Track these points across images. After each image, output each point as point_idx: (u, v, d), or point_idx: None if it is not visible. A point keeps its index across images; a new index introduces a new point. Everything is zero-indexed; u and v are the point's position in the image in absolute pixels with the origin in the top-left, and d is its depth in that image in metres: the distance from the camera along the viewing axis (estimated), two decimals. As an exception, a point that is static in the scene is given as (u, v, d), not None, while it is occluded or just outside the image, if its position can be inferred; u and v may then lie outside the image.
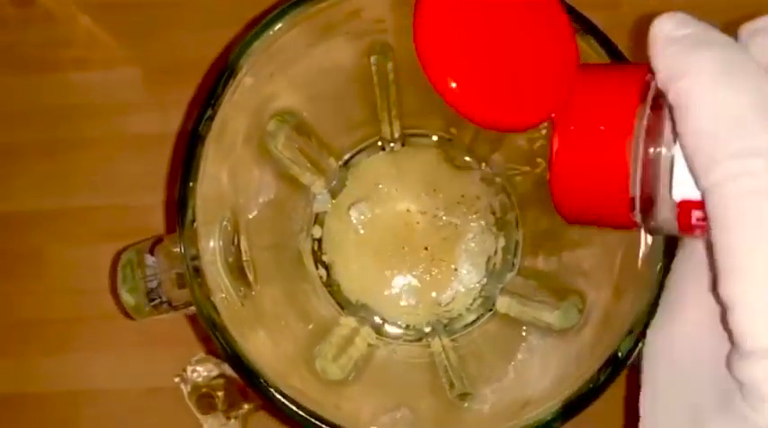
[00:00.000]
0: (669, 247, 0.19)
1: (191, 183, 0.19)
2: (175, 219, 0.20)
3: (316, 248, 0.31)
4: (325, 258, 0.32)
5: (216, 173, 0.21)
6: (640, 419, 0.18)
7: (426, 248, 0.31)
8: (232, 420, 0.35)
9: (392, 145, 0.32)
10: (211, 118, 0.20)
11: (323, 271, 0.31)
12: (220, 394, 0.35)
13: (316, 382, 0.24)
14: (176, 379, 0.34)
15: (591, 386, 0.20)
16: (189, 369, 0.35)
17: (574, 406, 0.20)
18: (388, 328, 0.31)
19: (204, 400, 0.35)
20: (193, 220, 0.19)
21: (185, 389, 0.35)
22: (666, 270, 0.19)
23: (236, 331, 0.20)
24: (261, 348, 0.21)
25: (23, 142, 0.36)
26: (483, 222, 0.32)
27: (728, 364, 0.15)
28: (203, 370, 0.35)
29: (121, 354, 0.34)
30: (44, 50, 0.36)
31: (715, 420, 0.15)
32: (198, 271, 0.20)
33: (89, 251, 0.35)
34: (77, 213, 0.35)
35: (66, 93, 0.36)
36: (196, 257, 0.19)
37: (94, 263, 0.34)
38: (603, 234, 0.24)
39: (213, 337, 0.20)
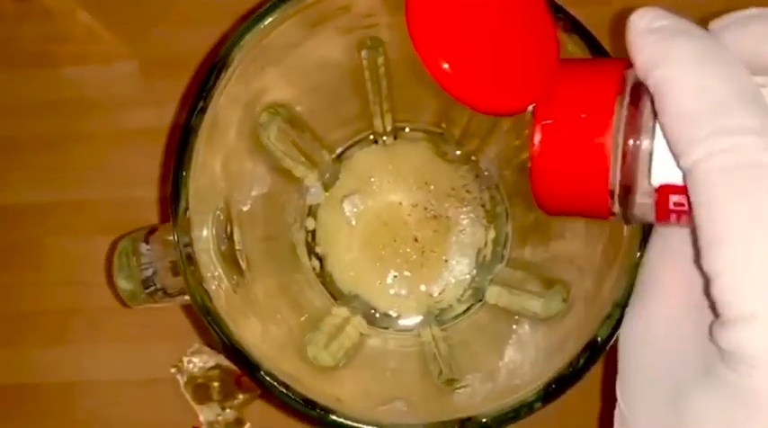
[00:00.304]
0: (647, 237, 0.20)
1: (183, 173, 0.20)
2: (169, 209, 0.20)
3: (309, 240, 0.32)
4: (318, 250, 0.32)
5: (209, 164, 0.21)
6: (617, 402, 0.18)
7: (417, 240, 0.32)
8: (227, 410, 0.35)
9: (384, 138, 0.32)
10: (203, 110, 0.20)
11: (316, 263, 0.32)
12: (216, 384, 0.35)
13: (309, 369, 0.25)
14: (172, 370, 0.35)
15: (571, 369, 0.20)
16: (185, 359, 0.35)
17: (555, 389, 0.20)
18: (380, 319, 0.31)
19: (200, 390, 0.35)
20: (186, 209, 0.20)
21: (181, 380, 0.35)
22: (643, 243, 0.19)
23: (229, 318, 0.21)
24: (254, 335, 0.22)
25: (21, 136, 0.36)
26: (473, 215, 0.32)
27: (712, 334, 0.15)
28: (199, 361, 0.36)
29: (118, 346, 0.35)
30: (42, 45, 0.36)
31: (698, 391, 0.16)
32: (191, 259, 0.20)
33: (86, 243, 0.35)
34: (74, 206, 0.35)
35: (63, 87, 0.36)
36: (189, 245, 0.20)
37: (91, 256, 0.35)
38: (587, 226, 0.25)
39: (206, 323, 0.20)
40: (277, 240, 0.30)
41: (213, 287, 0.21)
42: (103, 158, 0.36)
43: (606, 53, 0.21)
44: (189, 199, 0.20)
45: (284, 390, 0.20)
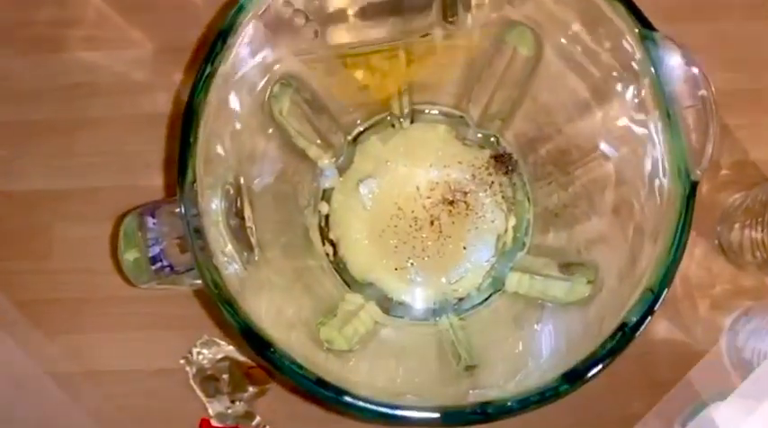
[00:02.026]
0: (686, 218, 0.19)
1: (191, 141, 0.19)
2: (176, 180, 0.19)
3: (322, 224, 0.31)
4: (332, 235, 0.31)
5: (218, 135, 0.21)
6: None
7: (435, 227, 0.31)
8: (237, 403, 0.34)
9: (402, 121, 0.31)
10: (211, 76, 0.19)
11: (329, 248, 0.31)
12: (225, 377, 0.34)
13: (321, 352, 0.24)
14: (181, 361, 0.34)
15: (599, 353, 0.19)
16: (194, 351, 0.34)
17: (581, 372, 0.19)
18: (395, 307, 0.30)
19: (209, 382, 0.34)
20: (194, 181, 0.19)
21: (190, 372, 0.34)
22: (684, 230, 0.18)
23: (240, 296, 0.20)
24: (265, 314, 0.21)
25: (33, 121, 0.36)
26: (493, 200, 0.31)
27: None
28: (209, 353, 0.35)
29: (127, 335, 0.34)
30: (54, 29, 0.36)
31: None
32: (199, 232, 0.19)
33: (97, 230, 0.34)
34: (86, 193, 0.35)
35: (75, 72, 0.35)
36: (197, 216, 0.19)
37: (103, 243, 0.34)
38: (616, 206, 0.23)
39: (215, 299, 0.19)
40: (289, 223, 0.29)
41: (223, 262, 0.20)
42: (115, 144, 0.35)
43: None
44: (196, 169, 0.19)
45: (297, 369, 0.19)
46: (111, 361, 0.34)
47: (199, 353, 0.35)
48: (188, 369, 0.34)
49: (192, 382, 0.34)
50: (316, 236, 0.30)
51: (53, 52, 0.36)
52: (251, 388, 0.34)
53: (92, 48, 0.36)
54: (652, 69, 0.19)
